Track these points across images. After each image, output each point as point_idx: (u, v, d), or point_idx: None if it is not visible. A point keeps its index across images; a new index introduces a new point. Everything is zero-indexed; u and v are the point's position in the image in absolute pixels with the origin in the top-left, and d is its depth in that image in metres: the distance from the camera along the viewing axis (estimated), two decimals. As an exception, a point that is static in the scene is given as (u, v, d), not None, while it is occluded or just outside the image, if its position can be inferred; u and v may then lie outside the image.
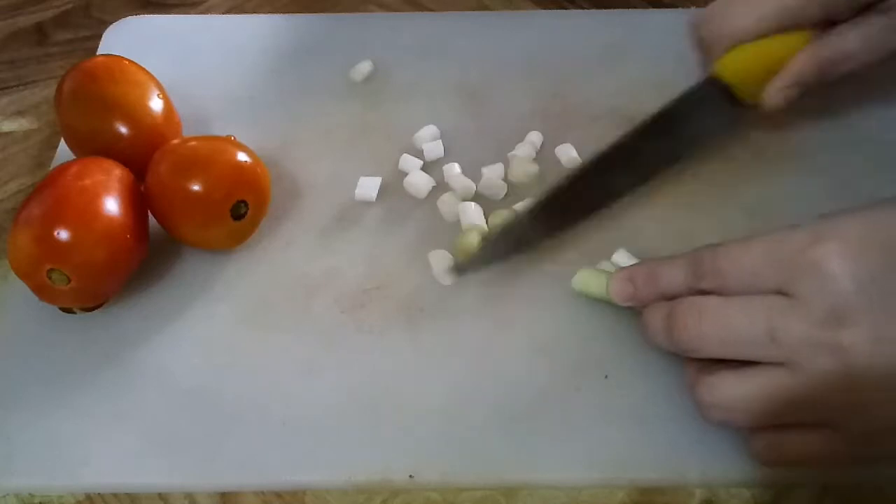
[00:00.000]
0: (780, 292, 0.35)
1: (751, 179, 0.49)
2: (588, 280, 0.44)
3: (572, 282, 0.44)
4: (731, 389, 0.37)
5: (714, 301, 0.37)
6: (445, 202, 0.48)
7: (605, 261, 0.46)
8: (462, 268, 0.45)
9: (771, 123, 0.49)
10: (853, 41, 0.45)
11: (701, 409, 0.38)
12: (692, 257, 0.39)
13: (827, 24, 0.46)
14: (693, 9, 0.61)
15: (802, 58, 0.46)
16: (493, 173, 0.49)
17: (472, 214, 0.47)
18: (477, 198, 0.49)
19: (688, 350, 0.38)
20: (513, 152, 0.51)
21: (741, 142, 0.51)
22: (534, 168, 0.49)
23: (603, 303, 0.43)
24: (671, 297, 0.39)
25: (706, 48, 0.48)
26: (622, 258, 0.45)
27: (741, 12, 0.46)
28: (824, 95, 0.48)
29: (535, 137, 0.52)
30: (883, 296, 0.34)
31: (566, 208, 0.45)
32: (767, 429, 0.37)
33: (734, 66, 0.46)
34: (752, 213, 0.47)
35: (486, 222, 0.47)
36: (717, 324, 0.37)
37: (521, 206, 0.47)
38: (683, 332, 0.38)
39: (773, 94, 0.47)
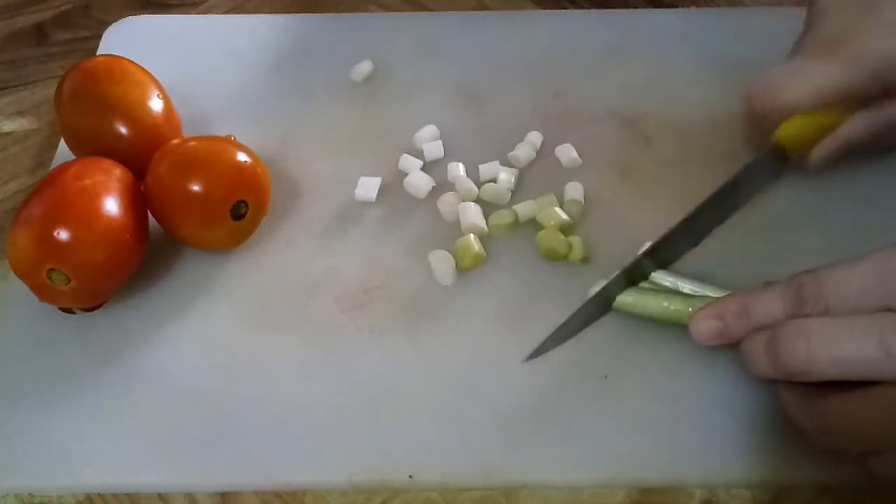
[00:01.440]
0: (890, 309, 0.35)
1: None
2: (641, 302, 0.43)
3: (616, 303, 0.44)
4: (848, 413, 0.35)
5: (820, 321, 0.36)
6: (445, 202, 0.48)
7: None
8: (536, 354, 0.43)
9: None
10: None
11: (814, 436, 0.37)
12: (790, 284, 0.38)
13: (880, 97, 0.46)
14: (693, 9, 0.61)
15: (852, 125, 0.45)
16: (498, 175, 0.50)
17: (472, 215, 0.47)
18: (478, 199, 0.49)
19: (795, 374, 0.36)
20: (513, 152, 0.51)
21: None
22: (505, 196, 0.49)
23: (645, 318, 0.43)
24: (766, 329, 0.38)
25: (762, 120, 0.48)
26: (661, 276, 0.44)
27: (800, 87, 0.46)
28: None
29: (534, 137, 0.52)
30: None
31: (626, 285, 0.44)
32: (882, 450, 0.36)
33: (793, 133, 0.47)
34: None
35: (487, 223, 0.47)
36: (826, 344, 0.35)
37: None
38: (790, 356, 0.36)
39: (821, 154, 0.46)
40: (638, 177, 0.50)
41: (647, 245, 0.45)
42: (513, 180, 0.49)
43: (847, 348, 0.35)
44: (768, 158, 0.47)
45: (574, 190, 0.49)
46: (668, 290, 0.44)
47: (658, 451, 0.40)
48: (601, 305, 0.44)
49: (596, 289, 0.44)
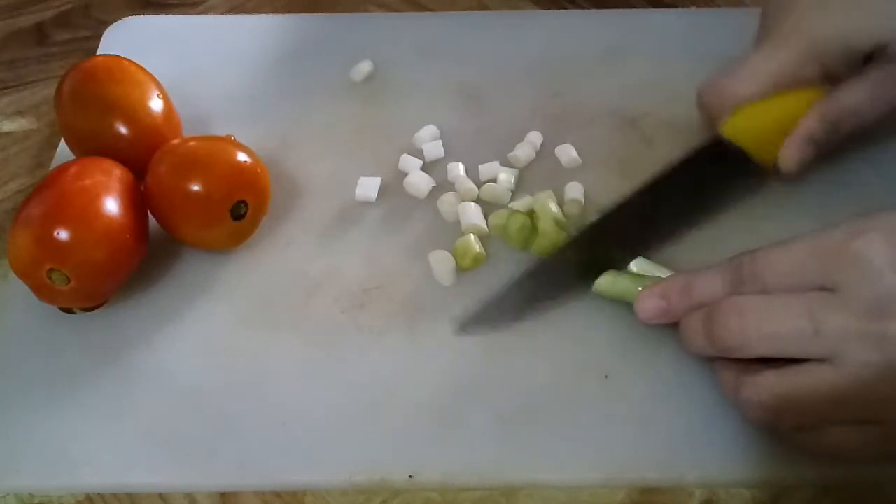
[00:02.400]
0: (823, 288, 0.35)
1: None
2: (614, 285, 0.43)
3: (595, 286, 0.44)
4: (777, 388, 0.36)
5: (755, 299, 0.37)
6: (445, 202, 0.48)
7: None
8: (465, 326, 0.43)
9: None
10: (858, 96, 0.45)
11: (745, 411, 0.38)
12: (730, 264, 0.39)
13: (831, 80, 0.46)
14: (693, 9, 0.62)
15: (810, 116, 0.45)
16: (498, 175, 0.50)
17: (472, 215, 0.47)
18: (478, 199, 0.49)
19: (730, 350, 0.38)
20: (513, 152, 0.51)
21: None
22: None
23: (624, 304, 0.43)
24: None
25: (712, 114, 0.48)
26: (643, 266, 0.44)
27: (740, 77, 0.46)
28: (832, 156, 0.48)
29: (534, 137, 0.52)
30: None
31: (575, 269, 0.44)
32: (811, 426, 0.37)
33: (740, 126, 0.46)
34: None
35: (487, 223, 0.47)
36: (759, 321, 0.36)
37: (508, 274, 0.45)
38: (725, 332, 0.37)
39: (788, 156, 0.46)
40: (638, 177, 0.50)
41: (590, 221, 0.46)
42: (513, 180, 0.49)
43: (778, 325, 0.36)
44: (713, 151, 0.47)
45: (574, 190, 0.49)
46: (643, 276, 0.43)
47: (658, 451, 0.40)
48: (535, 291, 0.44)
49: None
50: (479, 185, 0.50)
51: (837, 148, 0.47)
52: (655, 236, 0.46)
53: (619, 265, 0.44)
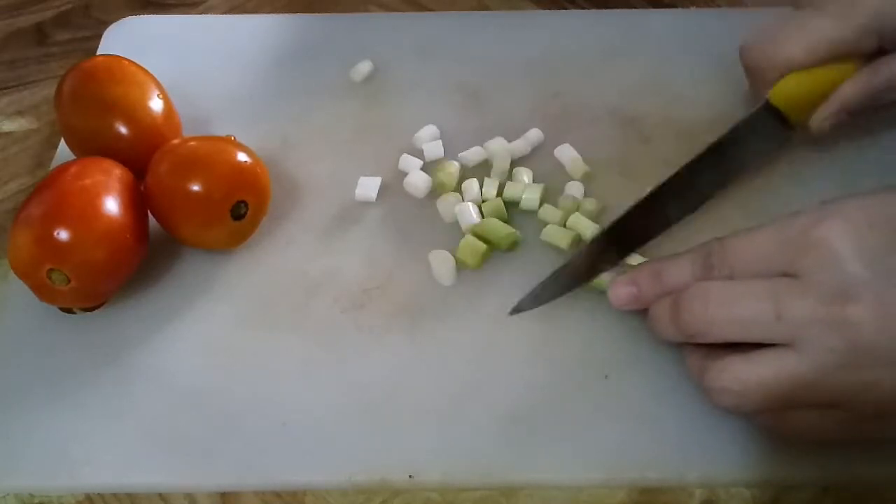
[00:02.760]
0: (787, 274, 0.36)
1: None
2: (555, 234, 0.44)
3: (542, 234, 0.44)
4: (741, 372, 0.37)
5: (720, 285, 0.37)
6: (444, 202, 0.48)
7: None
8: (520, 307, 0.44)
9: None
10: None
11: (710, 395, 0.38)
12: (699, 251, 0.39)
13: (877, 53, 0.46)
14: (693, 9, 0.62)
15: (853, 84, 0.45)
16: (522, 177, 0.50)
17: (469, 216, 0.47)
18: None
19: (695, 335, 0.38)
20: (506, 145, 0.51)
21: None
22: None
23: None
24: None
25: (757, 74, 0.48)
26: (635, 262, 0.44)
27: (794, 41, 0.46)
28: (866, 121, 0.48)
29: (534, 135, 0.52)
30: (887, 272, 0.34)
31: (620, 240, 0.44)
32: (776, 410, 0.37)
33: (788, 93, 0.46)
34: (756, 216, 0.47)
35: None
36: (723, 306, 0.37)
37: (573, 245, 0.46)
38: (690, 316, 0.38)
39: (822, 119, 0.47)
40: (638, 177, 0.50)
41: (641, 197, 0.45)
42: (527, 179, 0.49)
43: (741, 310, 0.36)
44: (762, 117, 0.47)
45: (574, 189, 0.49)
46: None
47: (658, 451, 0.40)
48: (589, 262, 0.44)
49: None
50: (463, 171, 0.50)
51: (869, 113, 0.47)
52: (692, 203, 0.46)
53: (661, 232, 0.45)
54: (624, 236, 0.44)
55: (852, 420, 0.36)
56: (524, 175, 0.50)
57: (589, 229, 0.46)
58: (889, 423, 0.36)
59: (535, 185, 0.49)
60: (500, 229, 0.46)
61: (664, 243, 0.45)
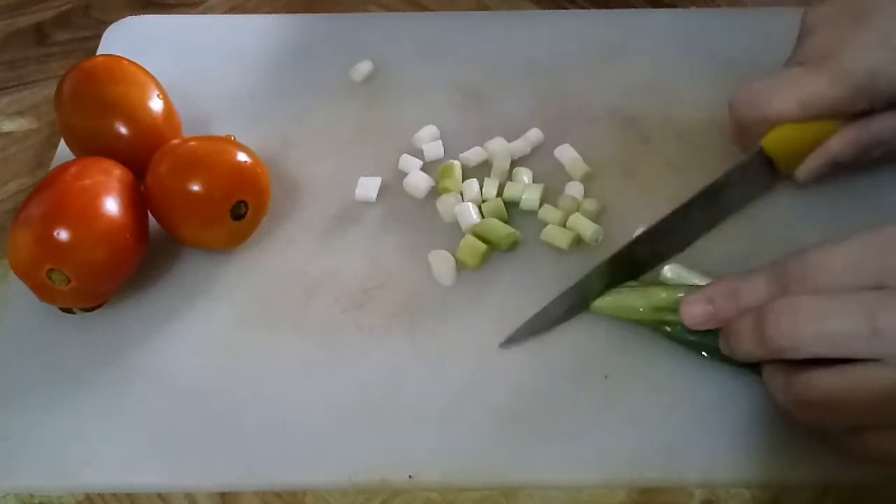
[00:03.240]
0: (879, 286, 0.35)
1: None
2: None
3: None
4: (829, 386, 0.35)
5: (809, 299, 0.36)
6: (444, 202, 0.48)
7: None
8: (513, 339, 0.44)
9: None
10: (891, 129, 0.45)
11: (795, 410, 0.37)
12: (776, 267, 0.38)
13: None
14: (693, 9, 0.61)
15: (839, 140, 0.45)
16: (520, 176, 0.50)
17: (469, 216, 0.47)
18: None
19: (781, 351, 0.36)
20: (506, 145, 0.51)
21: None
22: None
23: (622, 320, 0.43)
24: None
25: (747, 126, 0.48)
26: (677, 271, 0.44)
27: (786, 98, 0.45)
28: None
29: (533, 135, 0.52)
30: None
31: (611, 276, 0.44)
32: (863, 428, 0.36)
33: (779, 142, 0.47)
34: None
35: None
36: (814, 321, 0.35)
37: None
38: (777, 332, 0.36)
39: (808, 170, 0.47)
40: (638, 177, 0.50)
41: (634, 235, 0.46)
42: (527, 179, 0.49)
43: (834, 324, 0.35)
44: (755, 162, 0.47)
45: (574, 190, 0.49)
46: (645, 286, 0.43)
47: (658, 451, 0.40)
48: (580, 297, 0.44)
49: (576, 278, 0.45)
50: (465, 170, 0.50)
51: (854, 166, 0.47)
52: (684, 242, 0.46)
53: (653, 267, 0.45)
54: (616, 271, 0.44)
55: None
56: (524, 175, 0.50)
57: (589, 229, 0.46)
58: None
59: (535, 185, 0.49)
60: (500, 229, 0.46)
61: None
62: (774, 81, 0.46)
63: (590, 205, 0.48)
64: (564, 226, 0.47)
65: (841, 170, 0.47)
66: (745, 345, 0.38)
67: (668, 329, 0.42)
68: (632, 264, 0.45)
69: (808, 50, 0.46)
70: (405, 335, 0.44)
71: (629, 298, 0.43)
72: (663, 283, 0.44)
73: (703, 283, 0.42)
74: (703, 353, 0.42)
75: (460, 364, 0.43)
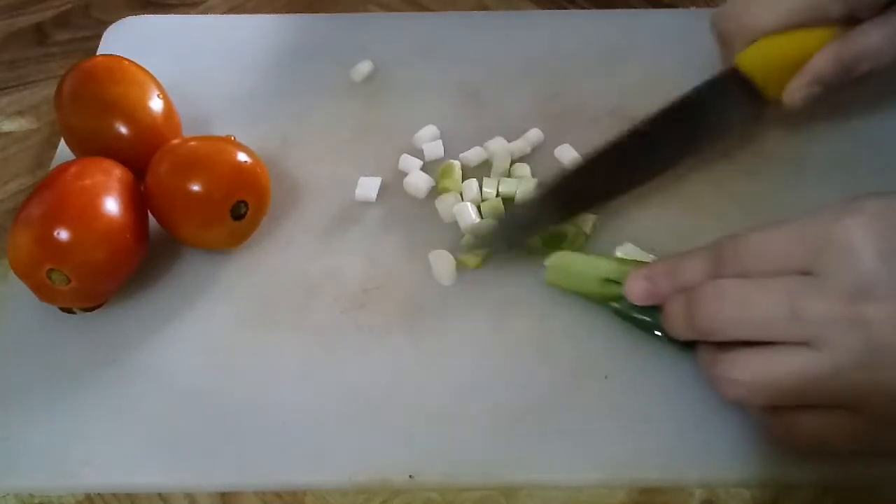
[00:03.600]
0: (804, 272, 0.35)
1: (752, 179, 0.49)
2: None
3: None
4: (753, 365, 0.36)
5: (735, 283, 0.37)
6: (444, 202, 0.48)
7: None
8: (469, 247, 0.44)
9: (784, 122, 0.48)
10: (875, 39, 0.45)
11: (719, 386, 0.38)
12: (713, 248, 0.39)
13: (849, 20, 0.45)
14: (693, 9, 0.62)
15: (824, 55, 0.45)
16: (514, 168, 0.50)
17: (468, 216, 0.47)
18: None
19: (708, 333, 0.38)
20: (507, 146, 0.51)
21: (745, 142, 0.50)
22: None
23: (573, 292, 0.44)
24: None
25: (727, 42, 0.48)
26: (629, 251, 0.45)
27: (764, 6, 0.46)
28: (835, 101, 0.48)
29: (534, 134, 0.52)
30: None
31: (578, 193, 0.44)
32: (784, 409, 0.37)
33: (756, 58, 0.46)
34: (752, 213, 0.47)
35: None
36: (738, 305, 0.36)
37: (529, 190, 0.46)
38: (704, 315, 0.37)
39: (794, 91, 0.46)
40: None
41: (593, 150, 0.45)
42: (524, 174, 0.50)
43: (757, 310, 0.36)
44: (729, 82, 0.47)
45: None
46: (596, 257, 0.44)
47: (658, 451, 0.40)
48: (535, 216, 0.44)
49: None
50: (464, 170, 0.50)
51: (845, 87, 0.47)
52: (657, 164, 0.46)
53: (622, 191, 0.45)
54: (577, 192, 0.44)
55: (862, 426, 0.36)
56: (522, 170, 0.50)
57: (587, 223, 0.46)
58: None
59: (530, 179, 0.49)
60: None
61: (668, 242, 0.45)
62: None
63: None
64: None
65: (829, 93, 0.46)
66: (678, 325, 0.39)
67: (615, 304, 0.43)
68: (595, 185, 0.44)
69: None
70: (405, 335, 0.44)
71: (577, 264, 0.43)
72: (614, 257, 0.44)
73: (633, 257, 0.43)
74: (656, 332, 0.42)
75: (460, 364, 0.43)
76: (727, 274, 0.38)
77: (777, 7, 0.45)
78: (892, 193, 0.36)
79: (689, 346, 0.40)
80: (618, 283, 0.42)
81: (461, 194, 0.49)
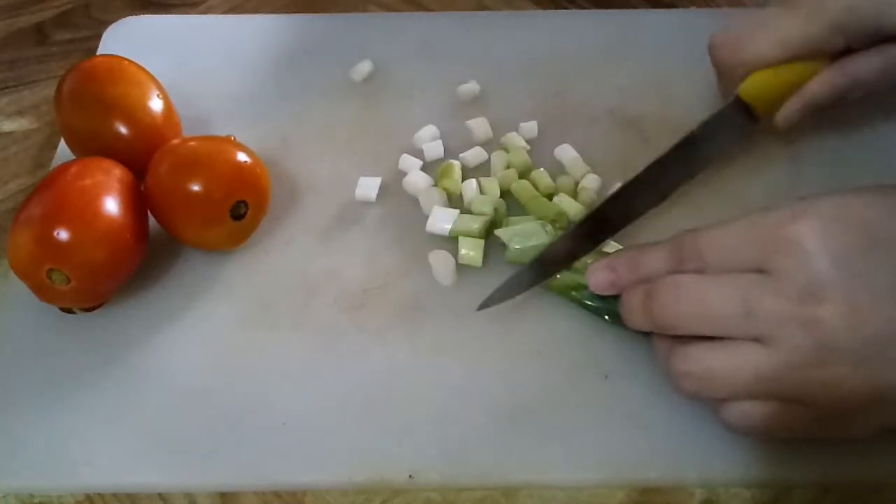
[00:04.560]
0: (758, 270, 0.36)
1: (752, 180, 0.50)
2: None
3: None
4: (706, 360, 0.37)
5: (691, 278, 0.38)
6: (428, 207, 0.48)
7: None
8: (489, 303, 0.44)
9: (778, 132, 0.49)
10: (869, 70, 0.46)
11: (674, 379, 0.38)
12: (673, 241, 0.39)
13: (845, 51, 0.46)
14: (693, 9, 0.62)
15: (818, 83, 0.46)
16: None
17: (443, 219, 0.47)
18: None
19: (665, 327, 0.38)
20: (503, 137, 0.51)
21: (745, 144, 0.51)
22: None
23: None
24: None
25: (726, 72, 0.49)
26: (612, 249, 0.45)
27: (763, 38, 0.46)
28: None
29: (528, 127, 0.52)
30: (857, 273, 0.34)
31: (591, 233, 0.45)
32: (737, 401, 0.37)
33: (757, 88, 0.47)
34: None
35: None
36: (694, 300, 0.37)
37: (540, 239, 0.46)
38: (661, 309, 0.38)
39: (787, 114, 0.48)
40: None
41: (610, 192, 0.46)
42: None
43: (711, 306, 0.37)
44: (732, 112, 0.48)
45: (590, 181, 0.49)
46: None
47: (658, 451, 0.40)
48: (553, 261, 0.44)
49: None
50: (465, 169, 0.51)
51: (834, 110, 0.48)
52: (661, 194, 0.47)
53: (631, 221, 0.46)
54: (598, 227, 0.45)
55: (815, 417, 0.36)
56: (515, 140, 0.51)
57: (573, 208, 0.47)
58: (852, 422, 0.37)
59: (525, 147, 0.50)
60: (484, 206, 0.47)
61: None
62: (752, 23, 0.47)
63: (591, 182, 0.49)
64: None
65: (819, 114, 0.47)
66: (635, 317, 0.40)
67: (574, 293, 0.43)
68: (609, 221, 0.45)
69: None
70: (405, 335, 0.44)
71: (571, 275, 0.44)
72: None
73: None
74: (606, 317, 0.43)
75: (460, 364, 0.43)
76: (686, 269, 0.38)
77: (777, 39, 0.46)
78: (844, 192, 0.36)
79: (643, 333, 0.41)
80: (579, 273, 0.43)
81: (461, 194, 0.49)
